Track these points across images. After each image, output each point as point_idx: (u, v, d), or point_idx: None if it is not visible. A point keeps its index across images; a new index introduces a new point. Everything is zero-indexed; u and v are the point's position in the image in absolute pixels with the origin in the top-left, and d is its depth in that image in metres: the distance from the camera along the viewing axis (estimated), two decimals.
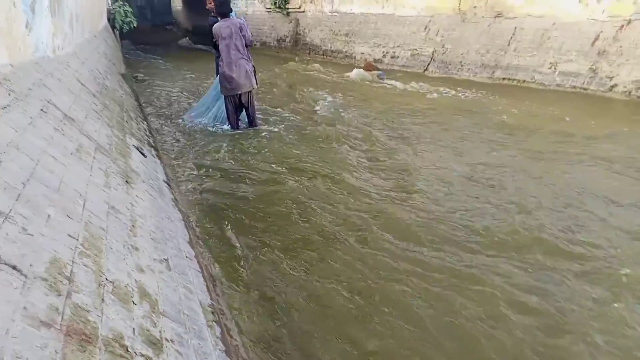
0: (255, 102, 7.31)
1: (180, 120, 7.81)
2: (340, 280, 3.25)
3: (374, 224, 4.04)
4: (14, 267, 1.46)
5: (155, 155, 5.34)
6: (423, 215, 4.24)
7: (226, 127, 7.33)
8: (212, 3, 7.25)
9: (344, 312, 2.95)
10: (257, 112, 7.45)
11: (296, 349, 2.61)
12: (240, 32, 6.60)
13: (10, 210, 1.73)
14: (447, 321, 2.84)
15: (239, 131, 7.16)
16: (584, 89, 9.92)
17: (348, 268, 3.40)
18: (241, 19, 6.85)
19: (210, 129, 7.37)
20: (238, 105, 7.12)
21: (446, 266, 3.40)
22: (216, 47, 6.91)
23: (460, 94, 10.09)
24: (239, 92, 6.88)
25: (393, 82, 11.69)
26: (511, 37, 11.44)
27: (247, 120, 7.33)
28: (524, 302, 3.01)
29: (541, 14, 10.82)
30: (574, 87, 10.12)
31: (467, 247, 3.66)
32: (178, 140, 6.76)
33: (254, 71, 6.97)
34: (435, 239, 3.79)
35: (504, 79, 11.40)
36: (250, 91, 6.96)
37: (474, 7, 12.20)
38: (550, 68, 10.61)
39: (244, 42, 6.65)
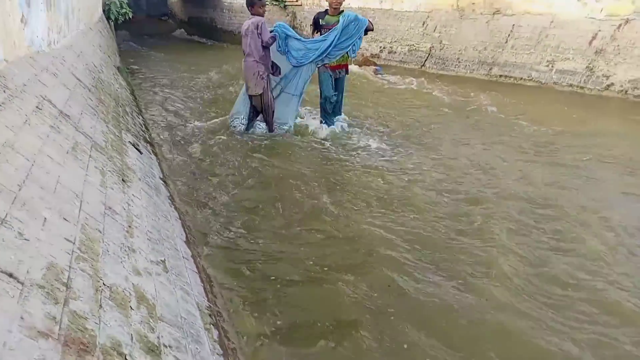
0: (271, 107, 6.64)
1: (231, 128, 6.92)
2: (344, 280, 3.23)
3: (359, 205, 4.04)
4: (10, 275, 1.44)
5: (151, 152, 5.30)
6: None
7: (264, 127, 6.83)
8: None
9: (346, 313, 2.94)
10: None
11: (294, 350, 2.60)
12: (256, 30, 6.16)
13: (7, 214, 1.70)
14: None
15: (254, 135, 6.68)
16: (581, 87, 9.94)
17: (352, 268, 3.39)
18: (353, 16, 6.36)
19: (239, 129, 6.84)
20: (252, 106, 6.74)
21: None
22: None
23: (459, 91, 10.07)
24: (249, 94, 6.60)
25: (390, 77, 11.65)
26: (509, 35, 11.42)
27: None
28: None
29: (539, 12, 10.81)
30: (571, 85, 10.13)
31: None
32: (174, 137, 6.69)
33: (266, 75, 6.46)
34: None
35: (500, 76, 11.40)
36: (257, 95, 6.50)
37: (472, 3, 12.18)
38: (547, 66, 10.61)
39: (259, 42, 6.21)
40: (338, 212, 4.28)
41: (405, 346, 2.67)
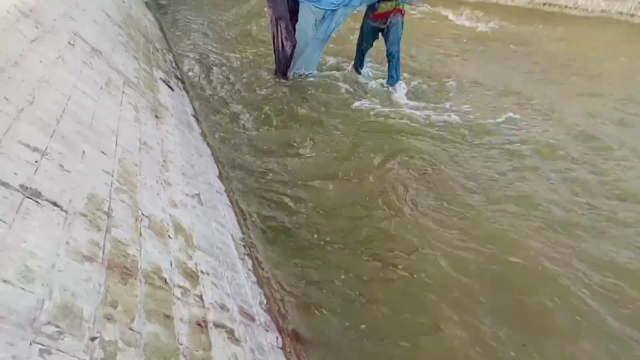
0: (282, 52, 6.13)
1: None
2: (363, 216, 3.27)
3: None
4: (54, 204, 1.51)
5: (182, 89, 5.31)
6: None
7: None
8: None
9: (376, 244, 2.99)
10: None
11: (325, 281, 2.68)
12: None
13: (47, 147, 1.75)
14: None
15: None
16: (631, 15, 9.28)
17: (375, 202, 3.41)
18: None
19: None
20: None
21: None
22: None
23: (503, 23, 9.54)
24: None
25: (428, 7, 11.11)
26: None
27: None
28: None
29: None
30: (620, 13, 9.47)
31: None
32: (204, 74, 6.66)
33: None
34: None
35: (544, 4, 10.72)
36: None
37: None
38: None
39: None
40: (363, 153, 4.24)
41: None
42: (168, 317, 1.51)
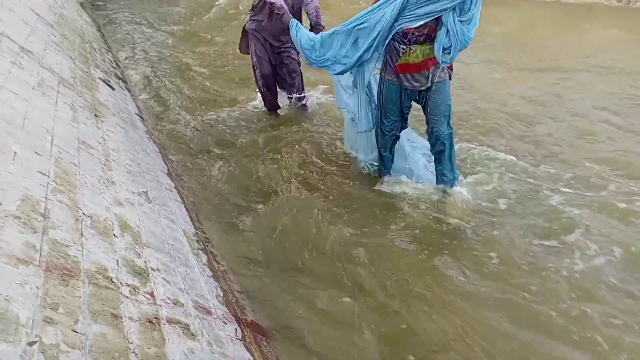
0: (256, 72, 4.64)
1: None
2: (321, 208, 3.26)
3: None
4: None
5: (124, 88, 5.14)
6: None
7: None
8: None
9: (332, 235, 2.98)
10: None
11: (282, 270, 2.66)
12: None
13: None
14: None
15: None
16: None
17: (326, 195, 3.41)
18: None
19: None
20: None
21: None
22: None
23: None
24: None
25: None
26: None
27: None
28: None
29: None
30: None
31: None
32: (146, 73, 6.46)
33: None
34: None
35: None
36: None
37: None
38: None
39: None
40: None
41: None
42: (116, 316, 1.45)
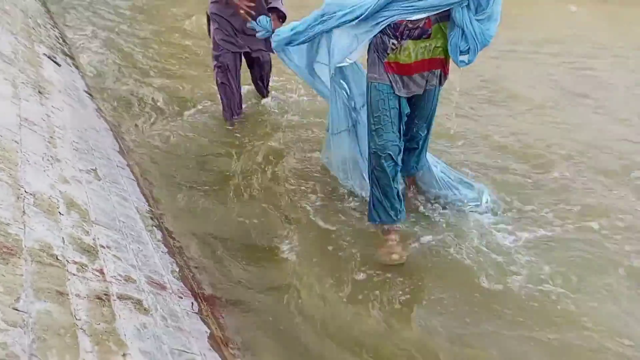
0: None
1: None
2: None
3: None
4: None
5: (72, 65, 4.92)
6: None
7: None
8: None
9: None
10: None
11: (240, 245, 2.64)
12: None
13: None
14: None
15: None
16: None
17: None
18: None
19: None
20: None
21: None
22: None
23: None
24: None
25: None
26: None
27: None
28: None
29: None
30: None
31: None
32: (96, 48, 6.19)
33: None
34: None
35: None
36: None
37: None
38: None
39: None
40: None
41: None
42: (62, 293, 1.41)
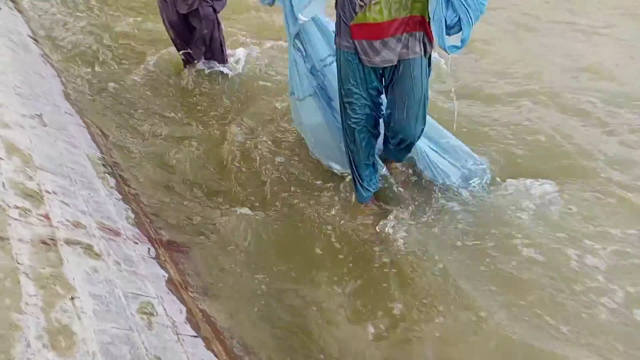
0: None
1: None
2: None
3: None
4: None
5: (14, 9, 4.59)
6: None
7: None
8: None
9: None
10: None
11: (201, 192, 2.59)
12: None
13: None
14: None
15: None
16: None
17: None
18: None
19: None
20: None
21: None
22: None
23: None
24: None
25: None
26: None
27: None
28: None
29: None
30: None
31: None
32: None
33: None
34: None
35: None
36: None
37: None
38: None
39: None
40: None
41: None
42: (2, 238, 1.34)
